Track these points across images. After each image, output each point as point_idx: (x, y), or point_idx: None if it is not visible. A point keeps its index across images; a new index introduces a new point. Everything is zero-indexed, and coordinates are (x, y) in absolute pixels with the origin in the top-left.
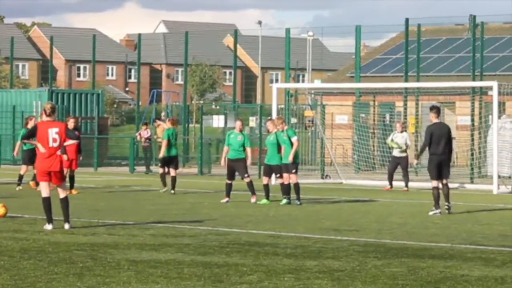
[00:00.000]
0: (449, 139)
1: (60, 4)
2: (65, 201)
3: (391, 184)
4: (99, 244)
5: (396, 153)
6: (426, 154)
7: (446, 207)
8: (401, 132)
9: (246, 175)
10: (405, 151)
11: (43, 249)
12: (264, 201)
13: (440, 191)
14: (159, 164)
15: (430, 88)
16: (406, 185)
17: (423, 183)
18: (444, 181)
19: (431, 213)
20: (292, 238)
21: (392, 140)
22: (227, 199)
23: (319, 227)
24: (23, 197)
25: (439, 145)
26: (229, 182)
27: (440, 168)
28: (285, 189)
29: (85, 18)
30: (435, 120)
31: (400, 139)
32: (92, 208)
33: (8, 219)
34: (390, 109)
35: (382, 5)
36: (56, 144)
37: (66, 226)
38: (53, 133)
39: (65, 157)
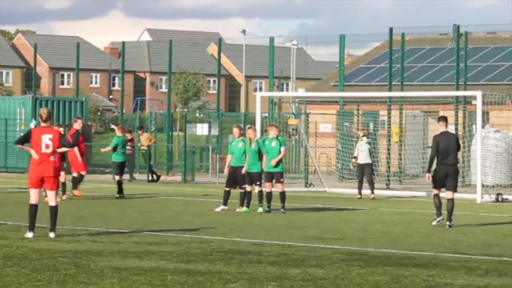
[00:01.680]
0: (457, 148)
1: (44, 12)
2: (54, 210)
3: (360, 193)
4: (83, 251)
5: (361, 160)
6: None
7: (448, 225)
8: (364, 138)
9: (243, 185)
10: (368, 157)
11: (26, 256)
12: (245, 209)
13: (444, 200)
14: (116, 171)
15: (414, 97)
16: (372, 192)
17: (406, 192)
18: (450, 196)
19: (434, 222)
20: (276, 246)
21: (355, 157)
22: (222, 207)
23: (303, 235)
24: (7, 204)
25: (446, 155)
26: (227, 189)
27: (445, 179)
28: (268, 197)
29: (69, 26)
30: (442, 129)
31: (363, 145)
32: (76, 216)
33: None
34: (374, 118)
35: (366, 15)
36: (48, 150)
37: (51, 235)
38: (46, 139)
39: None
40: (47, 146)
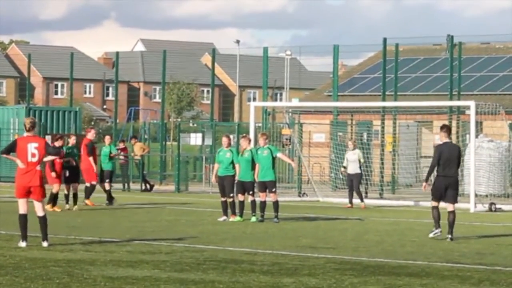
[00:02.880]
0: (458, 161)
1: (38, 22)
2: (43, 219)
3: (351, 202)
4: (76, 260)
5: (350, 170)
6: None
7: (448, 238)
8: (353, 149)
9: (231, 194)
10: (359, 168)
11: (19, 265)
12: (238, 218)
13: (447, 217)
14: (107, 180)
15: (408, 107)
16: (362, 201)
17: (399, 201)
18: (451, 208)
19: (431, 235)
20: (269, 255)
21: (344, 167)
22: (224, 217)
23: (296, 245)
24: (0, 213)
25: (447, 166)
26: (223, 199)
27: (445, 191)
28: (261, 207)
29: (63, 36)
30: (445, 140)
31: (352, 156)
32: (69, 225)
33: None
34: (367, 127)
35: (360, 25)
36: (35, 159)
37: (45, 244)
38: (32, 148)
39: (53, 174)
40: (33, 155)
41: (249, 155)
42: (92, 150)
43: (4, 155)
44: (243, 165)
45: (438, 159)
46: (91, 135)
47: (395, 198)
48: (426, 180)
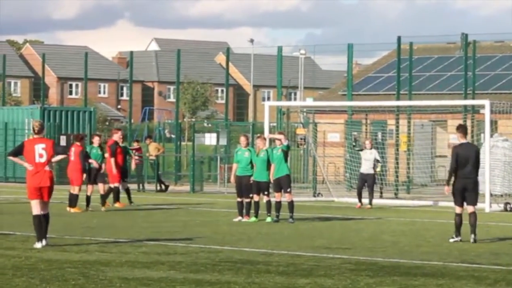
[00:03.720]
0: (476, 161)
1: (52, 22)
2: (46, 218)
3: (360, 201)
4: (92, 261)
5: (363, 170)
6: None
7: (472, 240)
8: (370, 148)
9: (250, 194)
10: (372, 168)
11: (35, 267)
12: (253, 218)
13: (468, 218)
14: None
15: (422, 106)
16: (370, 203)
17: (414, 201)
18: (471, 209)
19: (451, 240)
20: (285, 256)
21: (354, 146)
22: (240, 217)
23: (311, 245)
24: (15, 214)
25: (465, 167)
26: (239, 200)
27: (465, 193)
28: (277, 207)
29: (77, 35)
30: (462, 140)
31: (369, 155)
32: (85, 226)
33: (0, 237)
34: (382, 127)
35: (374, 24)
36: (43, 160)
37: (43, 242)
38: (39, 148)
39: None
40: (40, 156)
41: (264, 155)
42: (115, 151)
43: (11, 157)
44: (258, 165)
45: (456, 161)
46: (117, 136)
47: (410, 198)
48: (447, 183)
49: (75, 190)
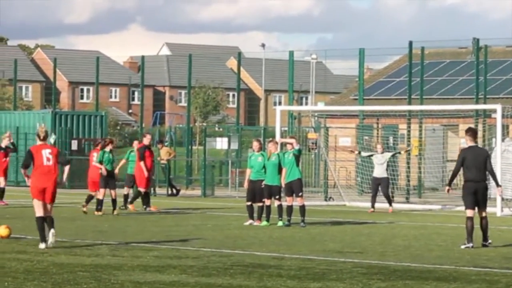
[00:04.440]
0: (485, 164)
1: (63, 26)
2: (50, 218)
3: (373, 206)
4: (103, 265)
5: (376, 174)
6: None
7: (484, 245)
8: (382, 152)
9: (263, 199)
10: (385, 171)
11: (47, 270)
12: (265, 223)
13: (479, 222)
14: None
15: (434, 110)
16: (390, 205)
17: (426, 205)
18: (483, 214)
19: (463, 246)
20: (296, 259)
21: (359, 152)
22: (250, 221)
23: (323, 249)
24: (27, 218)
25: (474, 170)
26: (249, 204)
27: (476, 196)
28: (288, 211)
29: (89, 40)
30: (470, 144)
31: (380, 159)
32: (96, 229)
33: (12, 240)
34: (393, 131)
35: (386, 28)
36: (50, 163)
37: (51, 238)
38: (46, 153)
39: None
40: (48, 159)
41: (276, 159)
42: (143, 155)
43: (24, 171)
44: (270, 169)
45: (461, 164)
46: (146, 140)
47: (421, 202)
48: (449, 184)
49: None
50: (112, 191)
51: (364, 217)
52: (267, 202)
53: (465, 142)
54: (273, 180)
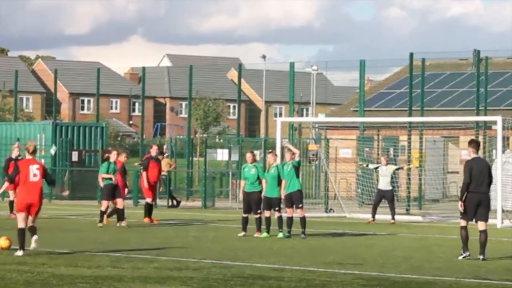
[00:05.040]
0: (489, 176)
1: (64, 37)
2: (33, 227)
3: (373, 216)
4: (103, 276)
5: (381, 186)
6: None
7: (480, 258)
8: (386, 165)
9: (258, 210)
10: (389, 184)
11: (47, 282)
12: (265, 234)
13: (479, 236)
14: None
15: (434, 122)
16: (393, 218)
17: (426, 217)
18: (483, 227)
19: (460, 257)
20: (297, 271)
21: (367, 165)
22: (243, 233)
23: (323, 261)
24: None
25: (479, 182)
26: (245, 216)
27: (477, 208)
28: (288, 223)
29: (89, 51)
30: (473, 155)
31: (385, 171)
32: (96, 241)
33: (12, 252)
34: (394, 143)
35: (386, 40)
36: (36, 179)
37: (35, 237)
38: (33, 169)
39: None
40: (34, 175)
41: (275, 171)
42: (147, 166)
43: (8, 186)
44: (269, 181)
45: (470, 175)
46: (153, 151)
47: (422, 214)
48: (461, 198)
49: (121, 204)
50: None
51: (364, 228)
52: (267, 213)
53: (468, 153)
54: (272, 192)
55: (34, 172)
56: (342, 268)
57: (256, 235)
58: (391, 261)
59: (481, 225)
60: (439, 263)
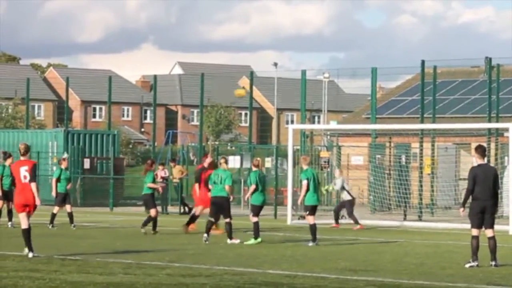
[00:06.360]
0: (495, 183)
1: (76, 45)
2: (27, 231)
3: (337, 222)
4: (115, 283)
5: (344, 197)
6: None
7: (493, 264)
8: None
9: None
10: (349, 194)
11: None
12: (252, 240)
13: (486, 241)
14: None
15: (446, 129)
16: (357, 223)
17: (439, 223)
18: (490, 234)
19: (467, 265)
20: (309, 278)
21: (331, 187)
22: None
23: (335, 267)
24: (38, 236)
25: (483, 189)
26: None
27: (483, 215)
28: (312, 230)
29: (101, 59)
30: (479, 162)
31: (339, 183)
32: (108, 248)
33: (24, 258)
34: (406, 150)
35: (398, 47)
36: (26, 180)
37: (30, 255)
38: (23, 171)
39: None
40: (25, 177)
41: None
42: (199, 177)
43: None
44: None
45: (473, 182)
46: (206, 162)
47: (434, 221)
48: (463, 205)
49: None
50: (153, 211)
51: (376, 235)
52: (254, 219)
53: (475, 159)
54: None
55: (24, 174)
56: (354, 274)
57: (234, 241)
58: (403, 267)
59: (488, 232)
60: (451, 270)
